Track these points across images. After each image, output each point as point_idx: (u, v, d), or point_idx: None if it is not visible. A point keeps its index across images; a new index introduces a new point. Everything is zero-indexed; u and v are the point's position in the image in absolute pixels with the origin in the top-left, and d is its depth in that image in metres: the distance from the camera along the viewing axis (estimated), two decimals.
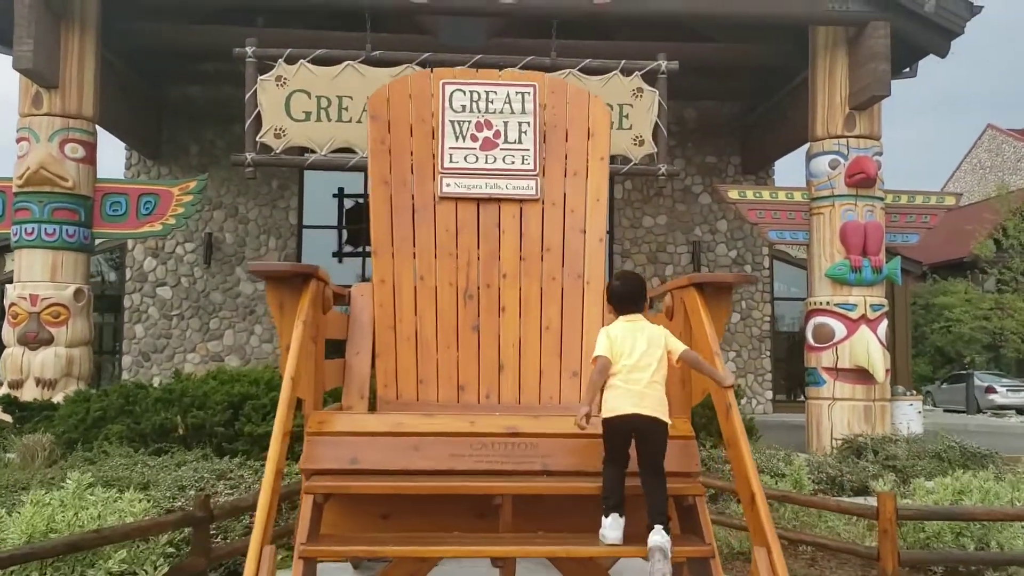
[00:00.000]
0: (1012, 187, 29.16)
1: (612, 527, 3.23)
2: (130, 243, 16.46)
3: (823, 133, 12.93)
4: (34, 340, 11.72)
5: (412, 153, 4.89)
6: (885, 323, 12.81)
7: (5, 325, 12.06)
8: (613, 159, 12.39)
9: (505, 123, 4.96)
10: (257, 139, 11.81)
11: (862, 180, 12.51)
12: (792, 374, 20.48)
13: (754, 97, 16.81)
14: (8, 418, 10.50)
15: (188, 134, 17.01)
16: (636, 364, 3.43)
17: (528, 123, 4.96)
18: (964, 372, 27.79)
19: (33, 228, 11.86)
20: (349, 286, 4.64)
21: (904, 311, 17.61)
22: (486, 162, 4.91)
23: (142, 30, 13.66)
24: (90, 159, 12.31)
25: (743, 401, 17.60)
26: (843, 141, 12.76)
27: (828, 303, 12.78)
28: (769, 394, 18.02)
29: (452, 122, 4.94)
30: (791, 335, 20.51)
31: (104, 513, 4.40)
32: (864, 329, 12.58)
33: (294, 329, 3.23)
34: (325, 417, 3.47)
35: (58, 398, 10.88)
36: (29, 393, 11.42)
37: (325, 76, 11.87)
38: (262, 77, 11.82)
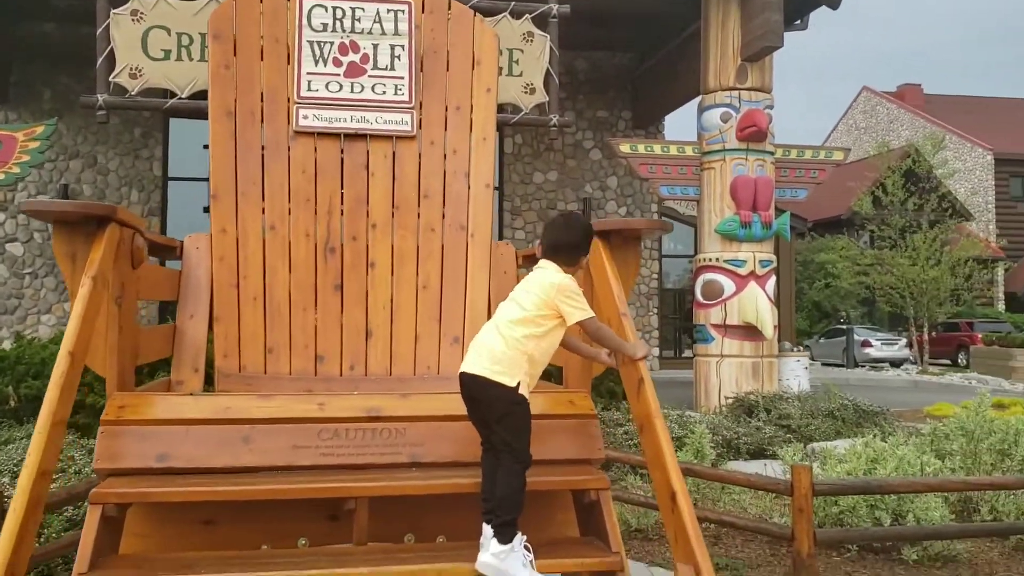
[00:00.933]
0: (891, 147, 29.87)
1: (488, 536, 2.64)
2: None
3: (715, 85, 12.58)
4: None
5: (263, 80, 4.13)
6: (774, 279, 12.67)
7: None
8: (503, 108, 11.75)
9: (375, 46, 4.24)
10: (110, 79, 10.65)
11: (753, 133, 12.24)
12: (678, 330, 20.50)
13: (646, 48, 16.40)
14: None
15: (40, 76, 15.47)
16: (497, 313, 2.83)
17: (402, 46, 4.25)
18: (841, 327, 28.50)
19: None
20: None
21: (789, 267, 17.68)
22: (352, 91, 4.19)
23: None
24: None
25: None
26: (735, 94, 12.44)
27: (717, 259, 12.54)
28: (656, 351, 17.86)
29: (311, 43, 4.19)
30: (677, 292, 20.49)
31: None
32: (753, 285, 12.41)
33: (80, 288, 2.48)
34: (129, 400, 2.74)
35: None
36: None
37: (187, 10, 10.76)
38: (115, 11, 10.64)
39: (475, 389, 2.76)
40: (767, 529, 4.65)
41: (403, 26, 4.24)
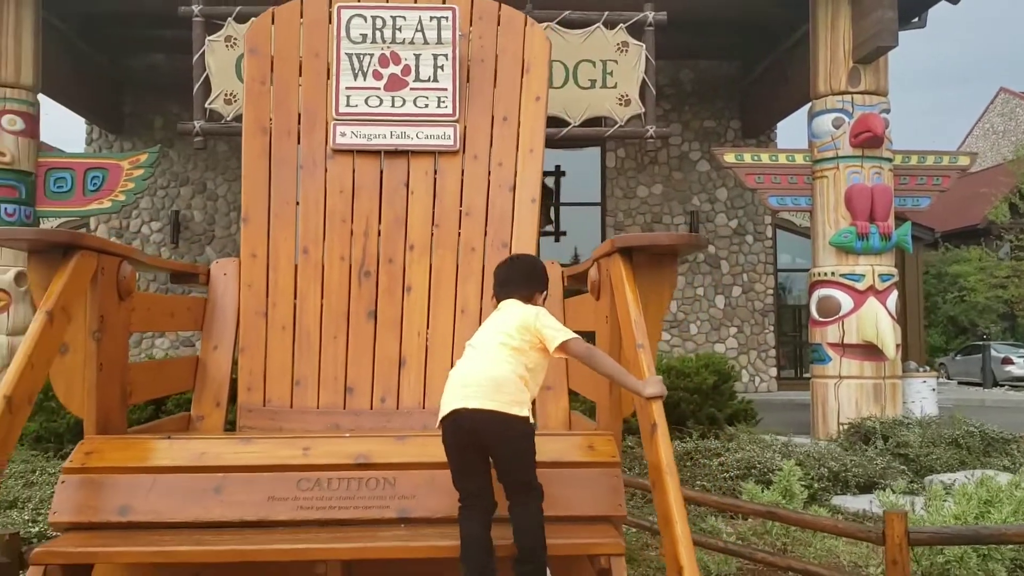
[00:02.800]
0: None
1: None
2: (92, 222, 15.53)
3: (826, 90, 11.86)
4: None
5: (300, 95, 3.92)
6: (895, 294, 11.79)
7: None
8: (597, 121, 11.41)
9: (417, 56, 3.98)
10: (206, 105, 10.83)
11: (868, 139, 11.45)
12: (799, 350, 19.53)
13: (753, 55, 15.73)
14: None
15: (152, 107, 16.02)
16: (475, 347, 2.54)
17: (446, 56, 3.98)
18: (979, 343, 26.72)
19: None
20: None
21: (916, 281, 16.62)
22: (392, 105, 3.94)
23: None
24: (31, 132, 11.35)
25: (745, 379, 16.66)
26: (847, 98, 11.69)
27: (833, 274, 11.76)
28: (773, 371, 17.05)
29: (350, 55, 3.96)
30: (797, 308, 19.52)
31: None
32: (872, 301, 11.57)
33: (32, 324, 2.27)
34: (97, 446, 2.52)
35: None
36: None
37: None
38: (210, 38, 10.83)
39: (483, 427, 2.44)
40: None
41: (446, 34, 3.97)
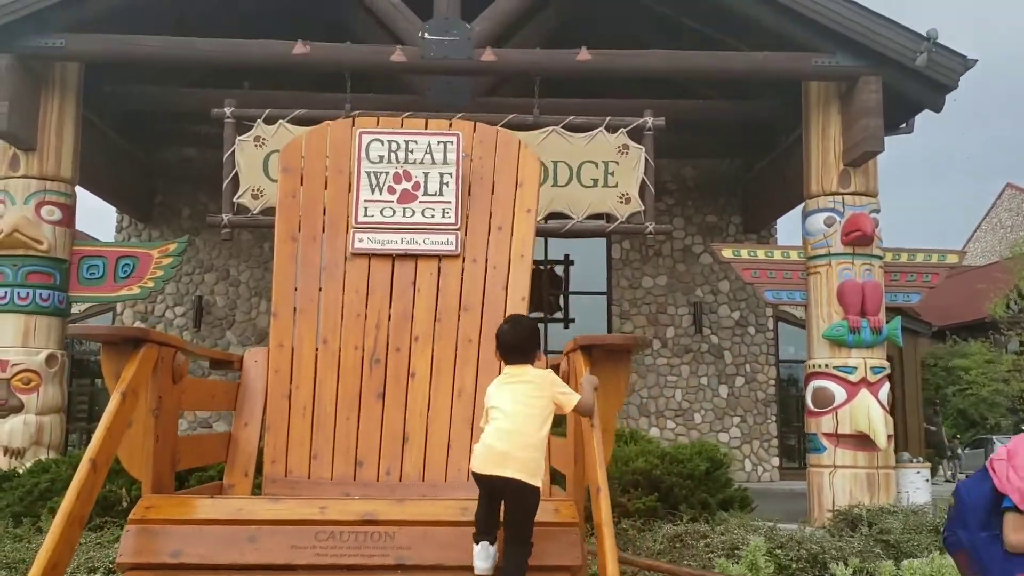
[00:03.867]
0: None
1: (481, 556, 2.96)
2: (119, 307, 16.25)
3: (818, 190, 12.54)
4: (3, 407, 11.39)
5: (325, 207, 4.55)
6: (887, 386, 12.23)
7: None
8: (600, 217, 12.09)
9: (425, 174, 4.62)
10: (235, 200, 11.60)
11: (858, 238, 12.07)
12: (802, 440, 19.79)
13: (752, 154, 16.51)
14: None
15: (181, 197, 16.88)
16: (507, 414, 3.08)
17: (450, 174, 4.62)
18: (985, 437, 26.87)
19: (5, 292, 11.61)
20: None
21: (914, 373, 17.01)
22: (403, 216, 4.56)
23: (128, 93, 13.63)
24: (67, 222, 12.12)
25: (748, 468, 16.96)
26: (838, 198, 12.36)
27: (827, 365, 12.25)
28: (776, 460, 17.34)
29: (368, 173, 4.61)
30: (799, 398, 19.85)
31: None
32: (864, 393, 12.01)
33: (110, 402, 2.84)
34: (154, 502, 3.06)
35: (25, 468, 10.52)
36: None
37: None
38: (240, 138, 11.66)
39: (507, 490, 3.02)
40: None
41: (451, 156, 4.61)
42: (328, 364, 4.14)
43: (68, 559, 2.72)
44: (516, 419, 3.08)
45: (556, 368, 3.57)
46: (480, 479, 3.05)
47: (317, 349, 4.17)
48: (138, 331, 3.08)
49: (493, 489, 3.02)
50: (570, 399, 3.10)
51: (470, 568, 2.90)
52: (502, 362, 3.32)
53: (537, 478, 3.01)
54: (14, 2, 11.08)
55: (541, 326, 17.08)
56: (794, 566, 6.72)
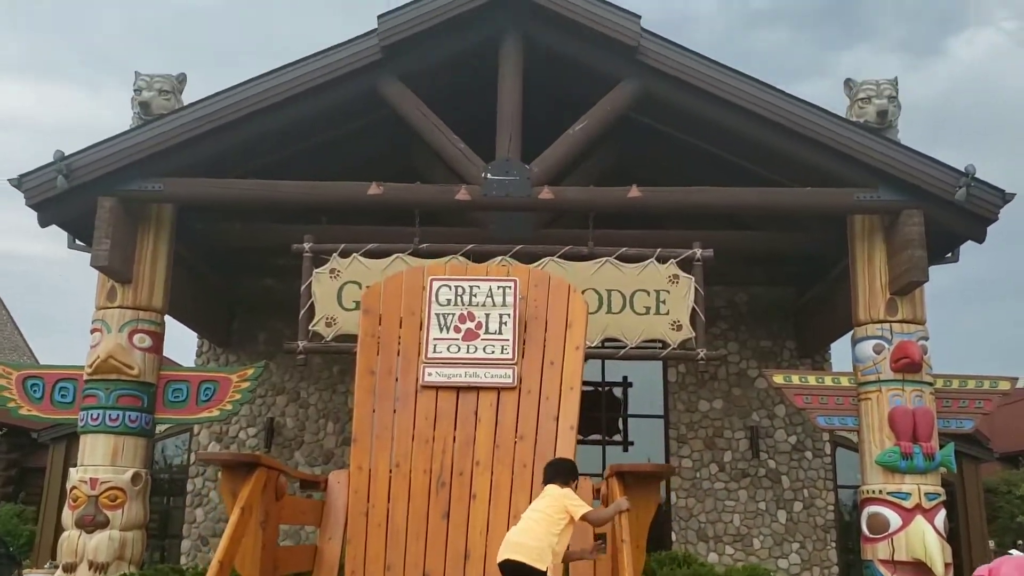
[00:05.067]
0: None
1: None
2: (196, 428, 17.07)
3: (866, 318, 12.94)
4: (90, 523, 12.08)
5: (400, 344, 5.23)
6: (943, 512, 12.28)
7: (66, 508, 12.50)
8: (653, 343, 12.62)
9: (487, 315, 5.29)
10: (310, 328, 12.42)
11: (907, 365, 12.37)
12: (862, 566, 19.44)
13: (802, 282, 16.98)
14: None
15: (257, 323, 17.86)
16: (524, 518, 3.86)
17: (508, 315, 5.28)
18: None
19: (99, 414, 12.49)
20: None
21: (977, 499, 16.81)
22: (467, 352, 5.21)
23: (215, 230, 14.78)
24: (156, 348, 13.06)
25: None
26: (886, 326, 12.73)
27: (881, 491, 12.38)
28: None
29: (438, 315, 5.30)
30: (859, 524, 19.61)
31: None
32: (919, 519, 12.08)
33: (232, 515, 3.46)
34: None
35: None
36: None
37: (376, 268, 12.54)
38: (317, 270, 12.58)
39: (518, 572, 3.64)
40: None
41: (509, 299, 5.29)
42: (400, 485, 4.72)
43: None
44: (528, 521, 3.84)
45: (598, 492, 4.14)
46: (500, 566, 3.69)
47: (391, 472, 4.76)
48: (252, 457, 3.72)
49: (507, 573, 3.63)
50: (578, 509, 3.81)
51: None
52: None
53: (541, 564, 3.64)
54: (117, 153, 12.37)
55: (599, 448, 17.44)
56: None
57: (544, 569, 3.64)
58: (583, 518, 3.79)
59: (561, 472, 3.99)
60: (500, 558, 3.72)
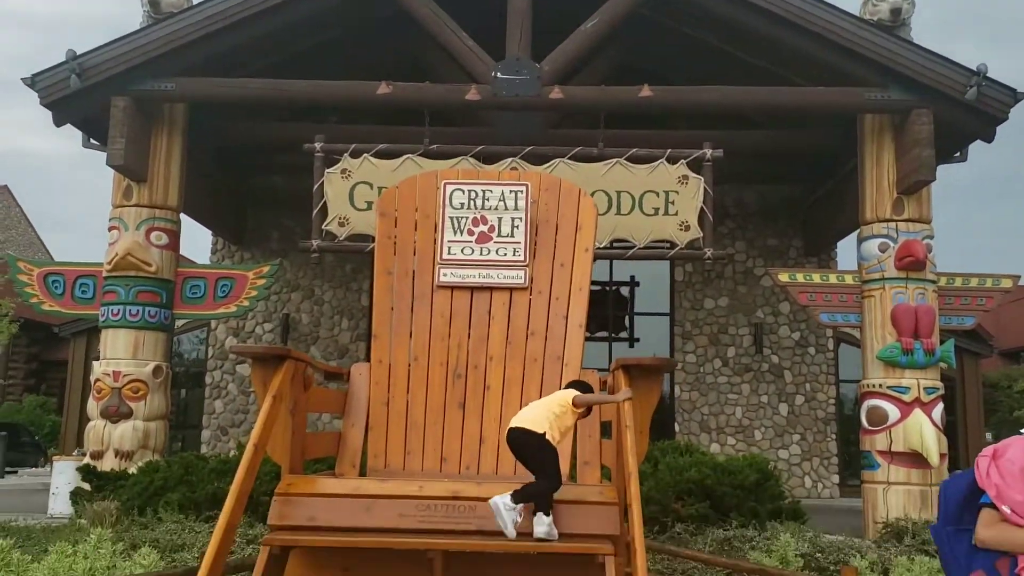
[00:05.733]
0: None
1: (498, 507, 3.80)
2: (213, 323, 17.51)
3: (872, 217, 13.09)
4: (115, 414, 12.60)
5: (415, 246, 5.45)
6: (940, 406, 12.69)
7: (91, 399, 13.02)
8: (661, 243, 12.84)
9: (499, 218, 5.48)
10: (323, 227, 12.65)
11: (911, 263, 12.59)
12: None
13: (812, 180, 17.04)
14: (86, 486, 11.30)
15: (270, 221, 18.11)
16: (529, 407, 4.22)
17: (520, 218, 5.47)
18: None
19: (119, 309, 12.87)
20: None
21: (975, 393, 17.25)
22: (480, 254, 5.43)
23: (226, 128, 14.87)
24: (173, 246, 13.35)
25: (808, 485, 17.42)
26: (892, 225, 12.90)
27: (881, 385, 12.77)
28: (835, 478, 17.76)
29: (451, 218, 5.49)
30: (858, 417, 20.18)
31: (118, 564, 4.95)
32: (918, 412, 12.51)
33: (264, 402, 3.76)
34: (293, 480, 3.97)
35: (134, 469, 11.66)
36: (108, 464, 12.24)
37: (386, 168, 12.68)
38: (328, 170, 12.72)
39: (523, 441, 4.03)
40: None
41: (521, 203, 5.47)
42: (419, 378, 5.02)
43: (238, 520, 3.64)
44: (531, 407, 4.24)
45: (604, 384, 4.41)
46: (508, 443, 4.09)
47: (410, 365, 5.05)
48: (282, 350, 4.00)
49: (515, 448, 4.01)
50: (569, 394, 4.18)
51: (529, 533, 3.76)
52: None
53: (540, 429, 3.97)
54: (129, 52, 12.37)
55: (606, 344, 17.87)
56: (832, 568, 7.37)
57: (543, 432, 3.96)
58: (574, 401, 4.10)
59: (574, 387, 4.27)
60: (513, 424, 4.08)
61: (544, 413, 4.04)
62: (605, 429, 4.75)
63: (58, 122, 12.84)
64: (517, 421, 4.07)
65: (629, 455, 3.59)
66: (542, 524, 3.74)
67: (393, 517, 3.75)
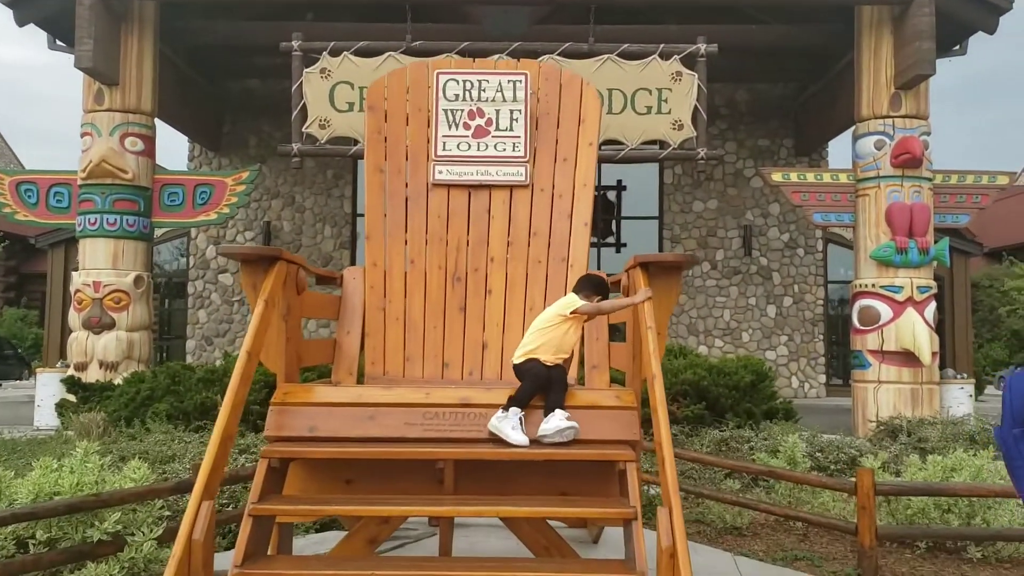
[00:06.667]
0: None
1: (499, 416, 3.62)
2: (193, 231, 17.11)
3: (869, 114, 12.77)
4: (97, 324, 12.35)
5: (407, 142, 5.12)
6: (933, 305, 12.63)
7: (72, 311, 12.74)
8: (653, 143, 12.48)
9: (497, 111, 5.14)
10: (303, 130, 12.20)
11: (908, 160, 12.33)
12: (847, 357, 20.19)
13: (805, 78, 16.61)
14: (71, 397, 11.10)
15: (247, 127, 17.55)
16: (535, 323, 3.95)
17: (519, 111, 5.14)
18: None
19: (96, 218, 12.48)
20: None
21: (964, 293, 17.21)
22: (478, 149, 5.10)
23: (198, 28, 14.19)
24: (149, 152, 12.88)
25: (795, 385, 17.49)
26: (889, 121, 12.59)
27: (874, 285, 12.66)
28: (822, 378, 17.83)
29: (445, 111, 5.15)
30: (845, 318, 20.21)
31: (106, 478, 4.76)
32: (910, 311, 12.44)
33: (256, 307, 3.49)
34: (290, 389, 3.74)
35: (119, 380, 11.45)
36: (93, 375, 12.04)
37: (367, 67, 12.16)
38: (307, 70, 12.19)
39: (531, 370, 3.81)
40: (839, 525, 5.13)
41: (520, 94, 5.13)
42: (416, 281, 4.75)
43: (235, 431, 3.41)
44: (542, 321, 3.96)
45: (617, 284, 4.15)
46: (516, 375, 3.88)
47: (406, 269, 4.78)
48: (273, 250, 3.71)
49: (523, 378, 3.79)
50: (572, 303, 3.91)
51: (537, 439, 3.57)
52: None
53: (548, 359, 3.80)
54: None
55: (594, 251, 17.62)
56: (832, 468, 7.31)
57: (551, 364, 3.78)
58: (574, 311, 3.88)
59: (586, 286, 3.99)
60: (519, 359, 3.88)
61: (549, 338, 3.85)
62: (612, 331, 4.53)
63: (19, 21, 12.21)
64: (522, 350, 3.87)
65: (653, 357, 3.36)
66: (558, 417, 3.60)
67: (399, 426, 3.54)
